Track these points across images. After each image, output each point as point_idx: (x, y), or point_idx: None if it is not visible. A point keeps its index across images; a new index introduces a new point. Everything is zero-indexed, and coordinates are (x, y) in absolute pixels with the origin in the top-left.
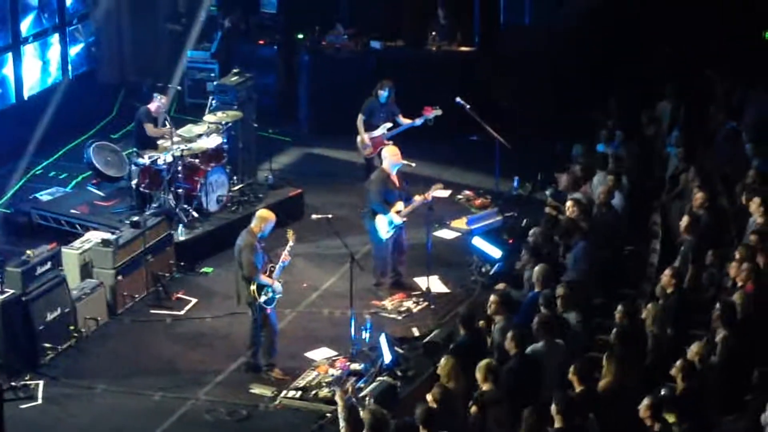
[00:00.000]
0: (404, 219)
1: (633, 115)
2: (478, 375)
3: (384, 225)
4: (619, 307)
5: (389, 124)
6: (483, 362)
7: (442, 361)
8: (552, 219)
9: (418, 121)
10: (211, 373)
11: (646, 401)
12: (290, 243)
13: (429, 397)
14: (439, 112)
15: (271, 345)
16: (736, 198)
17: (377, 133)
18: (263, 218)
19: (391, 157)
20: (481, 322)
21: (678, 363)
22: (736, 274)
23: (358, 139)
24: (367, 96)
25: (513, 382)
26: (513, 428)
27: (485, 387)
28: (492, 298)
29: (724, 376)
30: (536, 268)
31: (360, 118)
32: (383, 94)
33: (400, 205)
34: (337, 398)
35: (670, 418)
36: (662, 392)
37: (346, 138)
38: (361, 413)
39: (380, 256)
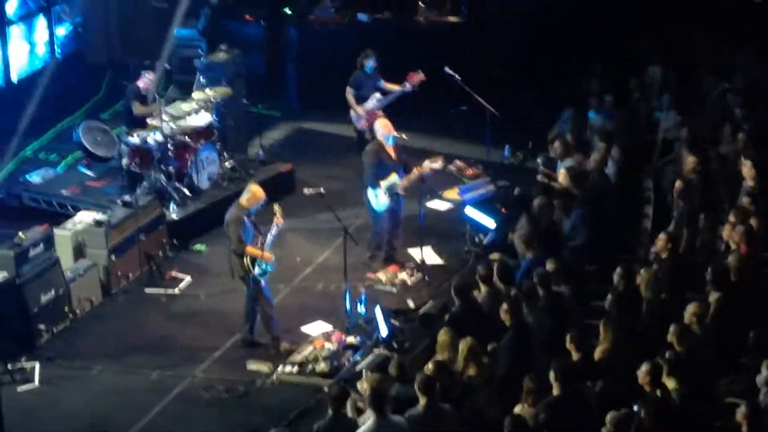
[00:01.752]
0: (403, 192)
1: (622, 81)
2: (461, 360)
3: (380, 194)
4: (617, 271)
5: (378, 95)
6: (463, 346)
7: (439, 333)
8: (545, 187)
9: (408, 87)
10: (207, 350)
11: (644, 366)
12: (278, 216)
13: (427, 367)
14: (422, 77)
15: (269, 319)
16: (728, 161)
17: (369, 105)
18: (254, 194)
19: (382, 129)
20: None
21: (673, 327)
22: (729, 237)
23: (351, 112)
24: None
25: (508, 354)
26: (507, 403)
27: (470, 372)
28: (481, 267)
29: (718, 338)
30: (517, 237)
31: (349, 91)
32: (368, 65)
33: (394, 177)
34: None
35: (669, 383)
36: (666, 356)
37: (335, 112)
38: (360, 384)
39: (376, 229)
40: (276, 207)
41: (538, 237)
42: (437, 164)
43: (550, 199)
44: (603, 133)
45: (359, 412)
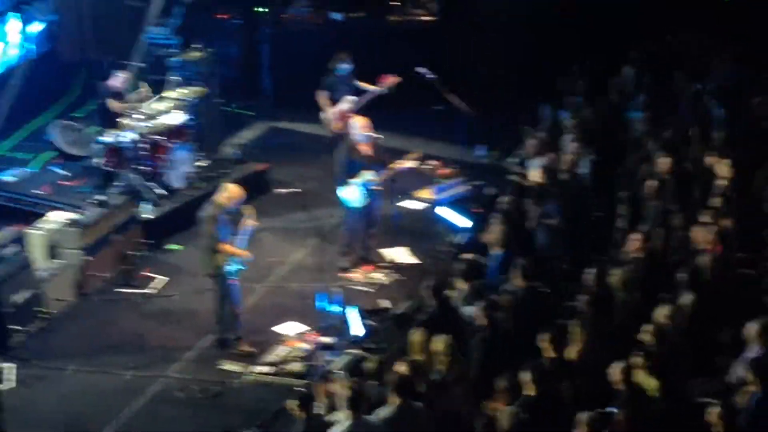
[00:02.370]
0: (377, 188)
1: (597, 81)
2: (436, 357)
3: (351, 191)
4: (591, 272)
5: (351, 97)
6: (439, 343)
7: (413, 333)
8: (518, 186)
9: (378, 89)
10: (181, 350)
11: (617, 365)
12: (250, 218)
13: (400, 368)
14: (395, 79)
15: (235, 318)
16: (700, 160)
17: (342, 107)
18: (232, 193)
19: (359, 128)
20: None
21: (646, 327)
22: (702, 237)
23: (322, 115)
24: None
25: (482, 353)
26: (481, 400)
27: (444, 370)
28: (456, 266)
29: (692, 338)
30: (492, 231)
31: (321, 94)
32: (341, 67)
33: (367, 174)
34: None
35: (646, 382)
36: (639, 355)
37: (310, 111)
38: (335, 385)
39: (349, 227)
40: (247, 209)
41: (508, 235)
42: (413, 162)
43: (520, 197)
44: (577, 130)
45: (331, 409)
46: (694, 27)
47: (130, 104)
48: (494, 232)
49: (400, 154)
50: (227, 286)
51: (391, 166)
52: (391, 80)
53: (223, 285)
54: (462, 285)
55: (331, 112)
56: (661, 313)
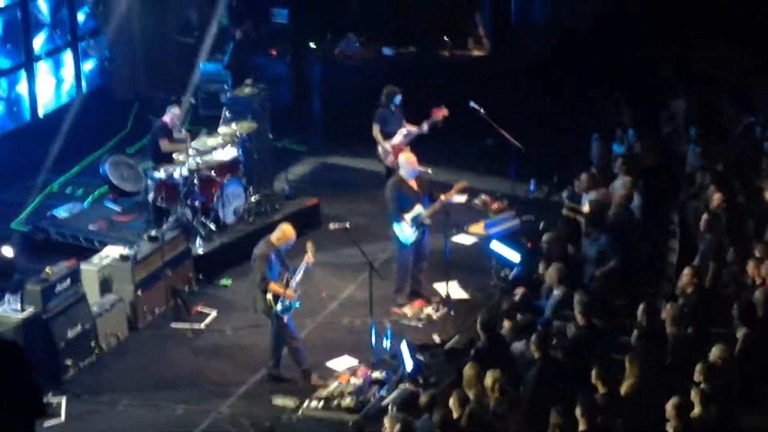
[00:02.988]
0: (428, 222)
1: (647, 114)
2: (488, 391)
3: (405, 227)
4: (641, 307)
5: (405, 130)
6: (490, 378)
7: (466, 368)
8: (570, 221)
9: (425, 128)
10: (233, 385)
11: (673, 400)
12: (309, 254)
13: (451, 403)
14: (446, 112)
15: (297, 353)
16: (754, 194)
17: (396, 140)
18: (285, 234)
19: (407, 165)
20: (506, 324)
21: (699, 366)
22: (755, 272)
23: (379, 148)
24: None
25: (535, 387)
26: None
27: (496, 403)
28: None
29: (744, 372)
30: (550, 269)
31: (376, 127)
32: (394, 100)
33: (419, 208)
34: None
35: (697, 415)
36: (692, 390)
37: (361, 146)
38: (385, 421)
39: (402, 263)
40: (309, 244)
41: (563, 272)
42: (462, 195)
43: (572, 232)
44: (629, 164)
45: None
46: (738, 57)
47: (182, 145)
48: (551, 270)
49: (449, 188)
50: (282, 324)
51: (439, 198)
52: (441, 113)
53: (278, 323)
54: (513, 320)
55: (385, 146)
56: (715, 353)
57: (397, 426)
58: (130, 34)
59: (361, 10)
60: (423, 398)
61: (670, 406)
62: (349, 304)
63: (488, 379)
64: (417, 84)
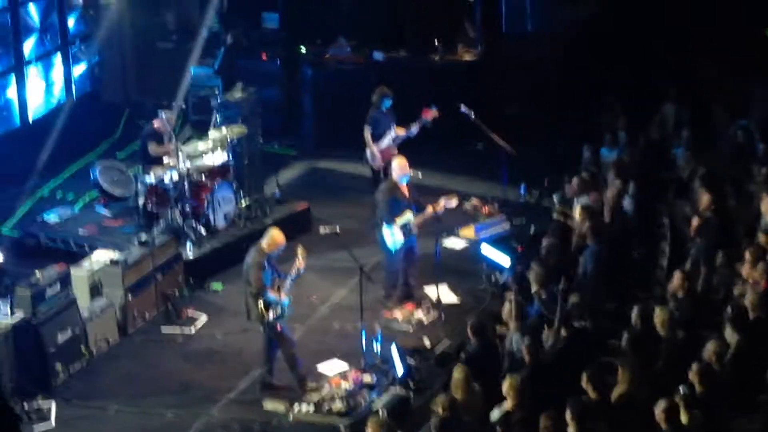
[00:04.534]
0: (416, 231)
1: (637, 118)
2: (505, 392)
3: (396, 231)
4: (635, 310)
5: (393, 133)
6: (511, 381)
7: (455, 371)
8: (560, 225)
9: (414, 130)
10: (223, 390)
11: (661, 404)
12: (299, 258)
13: (438, 407)
14: (436, 113)
15: (293, 359)
16: (744, 198)
17: (385, 143)
18: (274, 240)
19: (399, 170)
20: (499, 327)
21: (695, 366)
22: (749, 274)
23: (368, 151)
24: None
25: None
26: None
27: (510, 406)
28: (507, 305)
29: (736, 376)
30: (531, 273)
31: (367, 130)
32: (385, 102)
33: (409, 214)
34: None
35: (686, 420)
36: (681, 392)
37: (351, 151)
38: (370, 426)
39: (391, 268)
40: (300, 250)
41: (550, 276)
42: (452, 203)
43: (560, 238)
44: (619, 168)
45: None
46: (730, 61)
47: (171, 147)
48: (537, 274)
49: (441, 192)
50: (277, 333)
51: (429, 207)
52: (431, 114)
53: (272, 331)
54: (504, 324)
55: (375, 149)
56: (710, 349)
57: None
58: (120, 39)
59: (351, 14)
60: (415, 404)
61: (658, 410)
62: (340, 308)
63: (508, 385)
64: (407, 88)
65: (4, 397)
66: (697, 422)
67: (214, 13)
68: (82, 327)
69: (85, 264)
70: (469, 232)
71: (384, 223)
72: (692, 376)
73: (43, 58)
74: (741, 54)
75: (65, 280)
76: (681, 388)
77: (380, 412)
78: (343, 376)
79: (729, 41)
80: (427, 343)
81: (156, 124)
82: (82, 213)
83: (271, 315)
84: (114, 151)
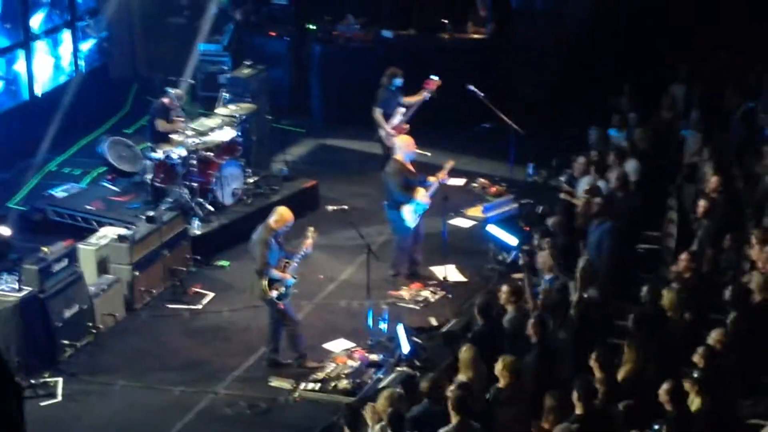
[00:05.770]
0: (428, 201)
1: (647, 99)
2: (498, 372)
3: (410, 212)
4: (644, 290)
5: (403, 108)
6: (506, 360)
7: (462, 349)
8: (567, 205)
9: (426, 95)
10: (230, 366)
11: (665, 385)
12: (309, 239)
13: (456, 386)
14: (438, 82)
15: (295, 337)
16: (753, 180)
17: (395, 121)
18: (282, 217)
19: (405, 147)
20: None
21: (700, 350)
22: (757, 257)
23: (381, 131)
24: (379, 86)
25: (534, 372)
26: (532, 419)
27: (502, 384)
28: (503, 288)
29: (741, 358)
30: (540, 256)
31: (377, 111)
32: (396, 82)
33: (422, 191)
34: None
35: (698, 404)
36: (693, 376)
37: (359, 128)
38: (377, 404)
39: (401, 247)
40: (311, 230)
41: (557, 257)
42: (454, 180)
43: (567, 217)
44: (619, 150)
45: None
46: (739, 44)
47: (179, 123)
48: (545, 256)
49: (450, 172)
50: (280, 310)
51: (430, 178)
52: (434, 84)
53: (275, 309)
54: (510, 303)
55: (387, 128)
56: (714, 336)
57: (391, 404)
58: (129, 14)
59: None
60: (423, 383)
61: (662, 391)
62: (347, 286)
63: (505, 363)
64: (416, 67)
65: (10, 372)
66: (704, 405)
67: None
68: (89, 303)
69: (93, 240)
70: (476, 211)
71: (404, 202)
72: (697, 359)
73: (52, 33)
74: (753, 36)
75: (72, 256)
76: (694, 373)
77: (392, 387)
78: (349, 354)
79: (741, 24)
80: (433, 321)
81: (164, 100)
82: (89, 188)
83: (274, 293)
84: (122, 126)
